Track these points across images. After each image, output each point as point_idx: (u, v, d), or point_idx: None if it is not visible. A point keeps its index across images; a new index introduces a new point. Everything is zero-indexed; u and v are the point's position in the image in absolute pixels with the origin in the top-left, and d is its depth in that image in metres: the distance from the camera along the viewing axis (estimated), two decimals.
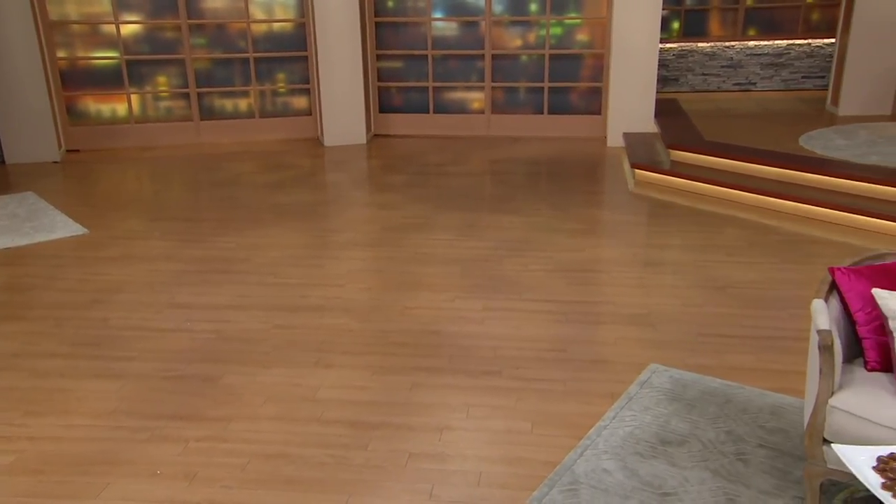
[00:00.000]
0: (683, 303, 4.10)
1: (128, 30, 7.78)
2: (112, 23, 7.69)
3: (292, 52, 8.13)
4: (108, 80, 7.87)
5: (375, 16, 8.17)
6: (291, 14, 8.05)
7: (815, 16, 9.04)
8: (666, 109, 7.96)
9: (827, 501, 2.40)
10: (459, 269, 4.68)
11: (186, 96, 8.07)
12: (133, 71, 7.91)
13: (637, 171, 6.49)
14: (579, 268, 4.64)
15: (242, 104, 8.27)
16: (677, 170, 6.25)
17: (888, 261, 2.58)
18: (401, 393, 3.28)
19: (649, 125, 7.61)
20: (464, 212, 5.81)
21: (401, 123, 8.44)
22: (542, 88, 8.21)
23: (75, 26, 7.63)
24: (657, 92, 8.96)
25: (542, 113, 8.27)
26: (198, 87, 8.05)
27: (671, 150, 6.57)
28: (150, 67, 7.95)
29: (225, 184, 6.75)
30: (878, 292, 2.38)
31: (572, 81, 8.13)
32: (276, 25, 8.07)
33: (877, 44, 7.07)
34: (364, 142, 8.11)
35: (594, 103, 8.14)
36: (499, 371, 3.46)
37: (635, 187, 6.34)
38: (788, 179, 5.67)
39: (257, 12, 8.00)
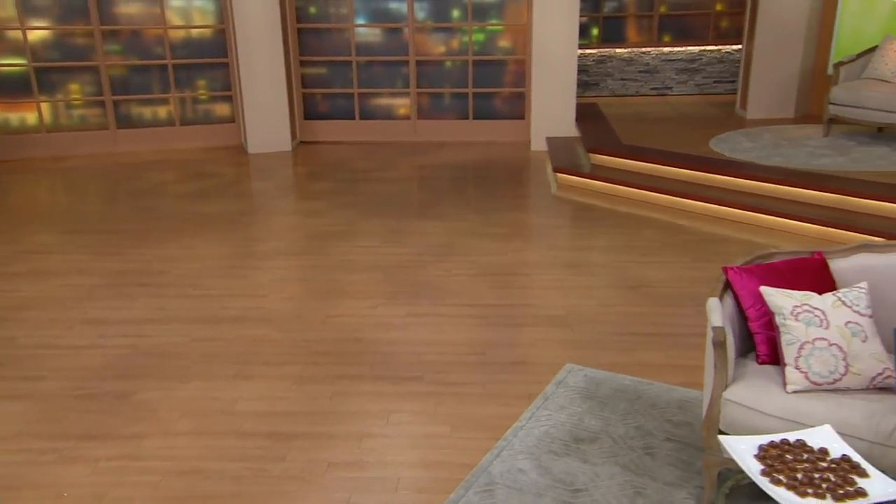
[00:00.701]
0: (599, 303, 4.24)
1: (35, 36, 7.48)
2: (18, 28, 7.38)
3: (212, 58, 7.99)
4: (15, 88, 7.55)
5: (298, 22, 8.10)
6: (210, 20, 7.91)
7: (724, 23, 9.45)
8: (587, 114, 8.17)
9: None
10: (383, 275, 4.70)
11: (102, 104, 7.82)
12: (42, 78, 7.61)
13: (559, 174, 6.65)
14: (501, 271, 4.73)
15: (162, 112, 8.06)
16: (597, 173, 6.44)
17: (776, 259, 2.74)
18: (321, 402, 3.28)
19: (571, 129, 7.80)
20: (389, 218, 5.83)
21: (326, 130, 8.39)
22: (467, 94, 8.31)
23: None
24: (579, 97, 9.20)
25: (467, 118, 8.37)
26: (113, 94, 7.81)
27: (591, 154, 6.75)
28: (61, 75, 7.67)
29: (144, 194, 6.57)
30: (765, 290, 2.52)
31: (496, 87, 8.26)
32: (195, 31, 7.91)
33: (779, 50, 7.46)
34: (289, 149, 8.03)
35: (518, 108, 8.30)
36: (420, 376, 3.50)
37: (558, 190, 6.49)
38: (699, 181, 5.91)
39: (174, 18, 7.82)
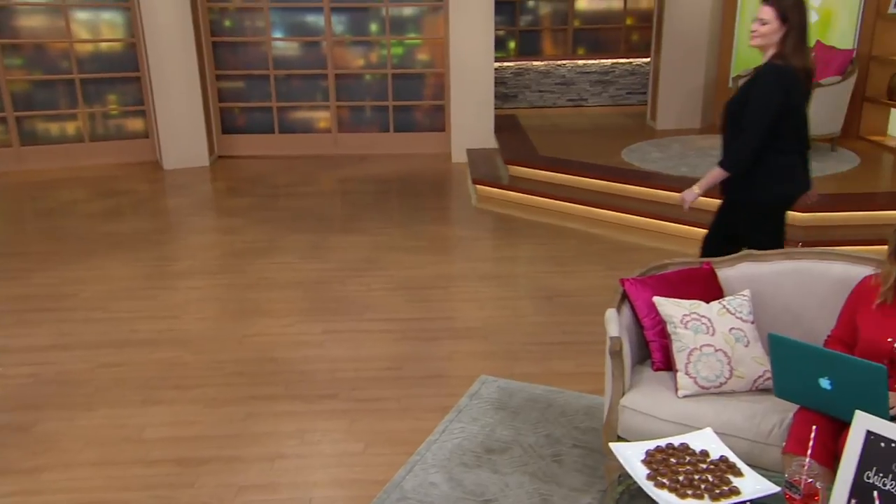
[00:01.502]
0: (514, 314, 4.33)
1: None
2: None
3: (123, 72, 7.76)
4: None
5: (212, 36, 7.97)
6: (120, 34, 7.69)
7: (635, 37, 9.83)
8: (505, 125, 8.34)
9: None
10: (301, 292, 4.68)
11: (3, 120, 7.48)
12: None
13: (479, 186, 6.76)
14: (419, 285, 4.77)
15: (70, 128, 7.78)
16: (515, 184, 6.58)
17: (669, 270, 2.88)
18: (234, 424, 3.24)
19: (490, 141, 7.94)
20: (309, 233, 5.80)
21: (245, 144, 8.27)
22: (387, 107, 8.35)
23: None
24: (498, 108, 9.37)
25: (388, 131, 8.41)
26: (16, 110, 7.49)
27: (509, 166, 6.90)
28: None
29: (50, 213, 6.32)
30: (657, 300, 2.65)
31: (416, 100, 8.34)
32: (104, 45, 7.67)
33: (684, 64, 7.81)
34: (207, 164, 7.88)
35: (438, 121, 8.39)
36: (335, 394, 3.50)
37: (478, 202, 6.60)
38: (612, 191, 6.12)
39: (81, 31, 7.57)
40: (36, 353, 3.88)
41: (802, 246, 4.92)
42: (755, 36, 3.15)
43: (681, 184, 5.82)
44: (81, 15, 7.53)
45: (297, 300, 4.55)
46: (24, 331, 4.13)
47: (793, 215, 5.20)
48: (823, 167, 6.15)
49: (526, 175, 6.71)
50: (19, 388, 3.52)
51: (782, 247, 3.26)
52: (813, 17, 7.07)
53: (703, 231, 5.47)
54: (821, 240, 5.00)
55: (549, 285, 4.75)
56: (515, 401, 3.41)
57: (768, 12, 3.09)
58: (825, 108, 6.21)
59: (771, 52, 3.15)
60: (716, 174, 3.33)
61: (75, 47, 7.53)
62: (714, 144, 7.14)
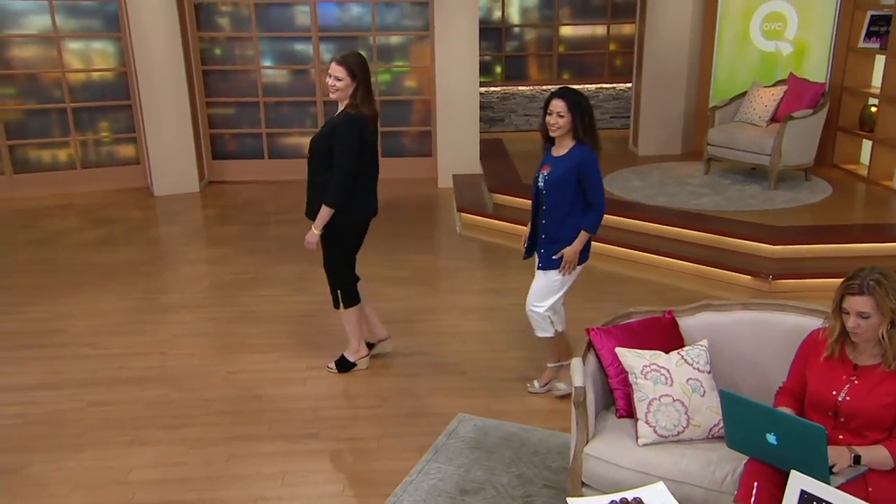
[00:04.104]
0: (493, 349, 4.45)
1: None
2: None
3: (115, 100, 7.88)
4: None
5: (203, 64, 8.11)
6: (111, 63, 7.82)
7: (619, 62, 10.01)
8: (491, 150, 8.48)
9: None
10: (286, 326, 4.79)
11: None
12: None
13: (463, 214, 6.88)
14: (402, 318, 4.89)
15: (62, 155, 7.89)
16: (499, 213, 6.72)
17: (633, 319, 3.01)
18: (217, 466, 3.35)
19: (476, 167, 8.08)
20: (297, 263, 5.89)
21: (236, 170, 8.40)
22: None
23: None
24: (485, 132, 9.50)
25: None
26: (9, 139, 7.60)
27: (494, 194, 7.03)
28: None
29: (41, 243, 6.43)
30: (619, 351, 2.79)
31: (403, 125, 8.48)
32: (96, 74, 7.80)
33: (664, 90, 7.98)
34: (197, 190, 7.99)
35: (425, 146, 8.53)
36: (317, 433, 3.61)
37: (462, 230, 6.73)
38: None
39: (73, 61, 7.70)
40: (25, 391, 3.98)
41: (773, 279, 5.08)
42: (334, 91, 3.70)
43: (658, 215, 5.99)
44: (74, 45, 7.66)
45: (281, 335, 4.67)
46: (14, 368, 4.24)
47: (763, 248, 5.37)
48: (797, 197, 6.31)
49: (510, 203, 6.84)
50: (8, 430, 3.62)
51: (354, 263, 4.05)
52: (787, 49, 7.26)
53: (678, 262, 5.62)
54: (792, 272, 5.16)
55: (525, 318, 4.86)
56: (491, 439, 3.53)
57: (340, 71, 3.66)
58: (798, 139, 6.39)
59: (345, 102, 3.74)
60: (325, 213, 3.79)
61: (68, 76, 7.65)
62: (692, 172, 7.31)
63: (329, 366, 4.21)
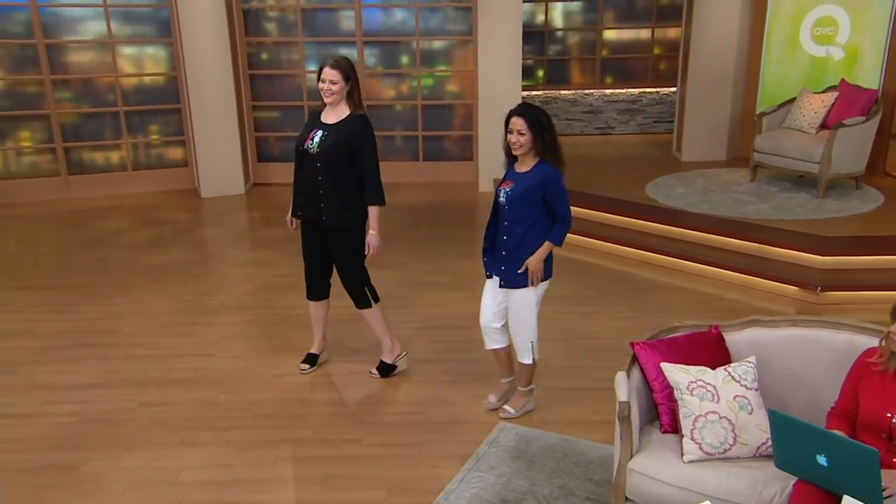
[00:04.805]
0: None
1: None
2: None
3: (165, 104, 8.09)
4: None
5: (250, 68, 8.27)
6: (163, 67, 8.03)
7: (663, 66, 9.90)
8: None
9: None
10: (329, 330, 4.83)
11: (52, 150, 7.85)
12: None
13: None
14: (443, 324, 4.92)
15: (114, 157, 8.13)
16: None
17: (679, 334, 2.99)
18: (263, 468, 3.42)
19: None
20: None
21: (280, 172, 8.52)
22: (417, 136, 8.55)
23: None
24: None
25: (417, 160, 8.60)
26: (65, 141, 7.86)
27: None
28: (11, 123, 7.70)
29: (95, 243, 6.63)
30: (665, 366, 2.77)
31: (445, 130, 8.52)
32: (147, 79, 8.02)
33: (710, 95, 7.86)
34: (242, 192, 8.15)
35: (466, 150, 8.56)
36: (359, 438, 3.67)
37: None
38: (634, 227, 6.20)
39: (127, 66, 7.92)
40: (81, 390, 4.12)
41: (821, 291, 4.98)
42: (329, 94, 3.80)
43: (702, 223, 5.91)
44: (127, 50, 7.88)
45: None
46: (70, 367, 4.39)
47: (811, 258, 5.26)
48: (847, 206, 6.17)
49: None
50: (66, 427, 3.76)
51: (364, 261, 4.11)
52: (838, 54, 7.09)
53: (722, 272, 5.53)
54: (841, 284, 5.05)
55: (569, 326, 4.86)
56: (532, 449, 3.54)
57: (335, 74, 3.77)
58: (849, 147, 6.24)
59: (345, 104, 3.86)
60: (377, 213, 3.96)
61: (121, 81, 7.88)
62: (737, 179, 7.19)
63: (371, 371, 4.27)
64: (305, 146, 3.95)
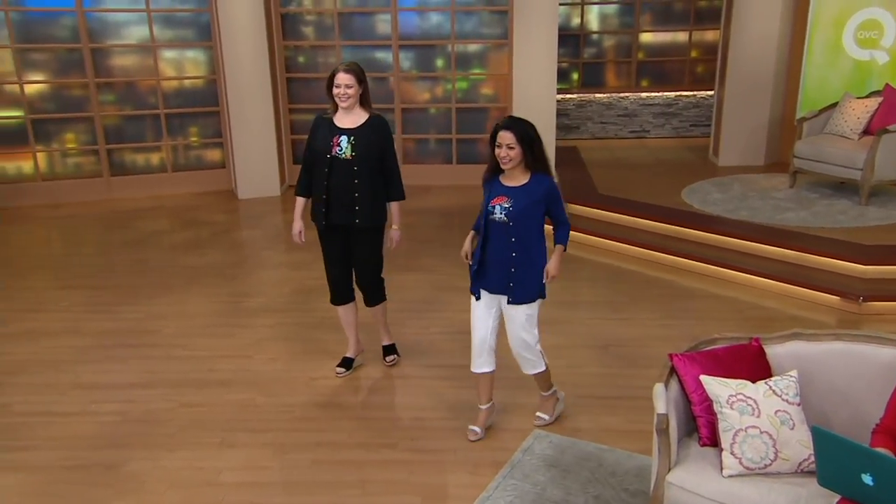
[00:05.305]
0: (568, 364, 4.44)
1: (32, 89, 7.73)
2: (16, 83, 7.63)
3: (204, 107, 8.24)
4: (12, 139, 7.79)
5: (287, 72, 8.37)
6: (202, 71, 8.17)
7: (700, 69, 9.78)
8: (566, 158, 8.43)
9: None
10: (364, 334, 4.88)
11: (96, 152, 8.05)
12: (39, 129, 7.85)
13: None
14: None
15: (154, 158, 8.30)
16: (573, 223, 6.57)
17: (719, 345, 2.97)
18: (300, 471, 3.48)
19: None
20: None
21: None
22: (451, 139, 8.58)
23: None
24: (560, 139, 9.45)
25: (451, 162, 8.63)
26: (107, 143, 8.05)
27: (567, 204, 6.99)
28: (57, 125, 7.92)
29: (136, 244, 6.77)
30: (704, 379, 2.75)
31: (479, 133, 8.53)
32: (188, 82, 8.17)
33: (749, 99, 7.75)
34: (278, 194, 8.26)
35: None
36: (395, 443, 3.70)
37: None
38: (670, 233, 6.14)
39: (168, 69, 8.08)
40: (124, 390, 4.23)
41: (863, 301, 4.89)
42: (346, 98, 3.93)
43: (739, 230, 5.83)
44: (168, 54, 8.05)
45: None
46: (113, 367, 4.50)
47: (853, 267, 5.16)
48: (891, 214, 6.04)
49: (584, 213, 6.79)
50: (109, 426, 3.86)
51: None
52: (883, 59, 6.93)
53: (760, 280, 5.46)
54: (885, 294, 4.95)
55: (604, 333, 4.84)
56: (567, 458, 3.53)
57: (350, 79, 3.93)
58: (893, 154, 6.10)
59: (359, 108, 4.03)
60: (399, 209, 4.21)
61: (162, 84, 8.04)
62: (776, 185, 7.08)
63: (386, 360, 4.50)
64: (334, 153, 3.97)
